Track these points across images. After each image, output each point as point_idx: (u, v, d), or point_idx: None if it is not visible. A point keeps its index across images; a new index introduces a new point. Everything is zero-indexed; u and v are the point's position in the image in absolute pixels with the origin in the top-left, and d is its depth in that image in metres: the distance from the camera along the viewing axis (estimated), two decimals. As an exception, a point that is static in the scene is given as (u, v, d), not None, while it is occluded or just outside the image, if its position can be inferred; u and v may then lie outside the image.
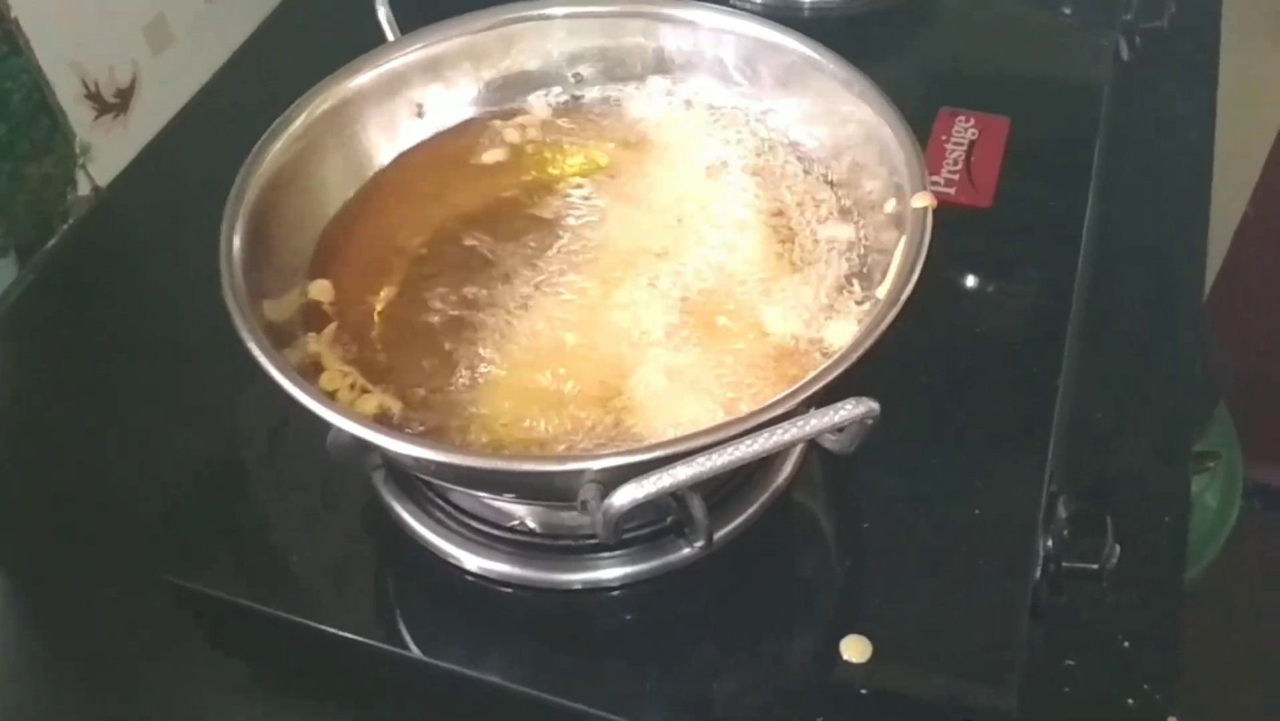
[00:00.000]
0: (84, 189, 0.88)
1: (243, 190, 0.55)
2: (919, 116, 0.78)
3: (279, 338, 0.55)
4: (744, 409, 0.52)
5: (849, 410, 0.40)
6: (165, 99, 0.90)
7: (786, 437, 0.41)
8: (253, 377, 0.49)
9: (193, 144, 0.86)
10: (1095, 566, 0.60)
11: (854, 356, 0.46)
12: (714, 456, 0.40)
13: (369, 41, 0.66)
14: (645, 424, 0.53)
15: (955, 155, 0.77)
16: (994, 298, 0.70)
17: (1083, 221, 0.73)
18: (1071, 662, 0.59)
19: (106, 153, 0.89)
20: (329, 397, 0.54)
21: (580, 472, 0.43)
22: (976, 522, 0.59)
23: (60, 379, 0.72)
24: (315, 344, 0.57)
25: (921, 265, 0.50)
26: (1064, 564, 0.60)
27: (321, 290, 0.60)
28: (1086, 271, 0.72)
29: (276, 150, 0.58)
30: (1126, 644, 0.60)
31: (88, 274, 0.80)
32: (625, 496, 0.41)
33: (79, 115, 0.87)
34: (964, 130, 0.79)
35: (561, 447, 0.53)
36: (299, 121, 0.60)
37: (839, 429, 0.41)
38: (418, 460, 0.46)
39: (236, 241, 0.54)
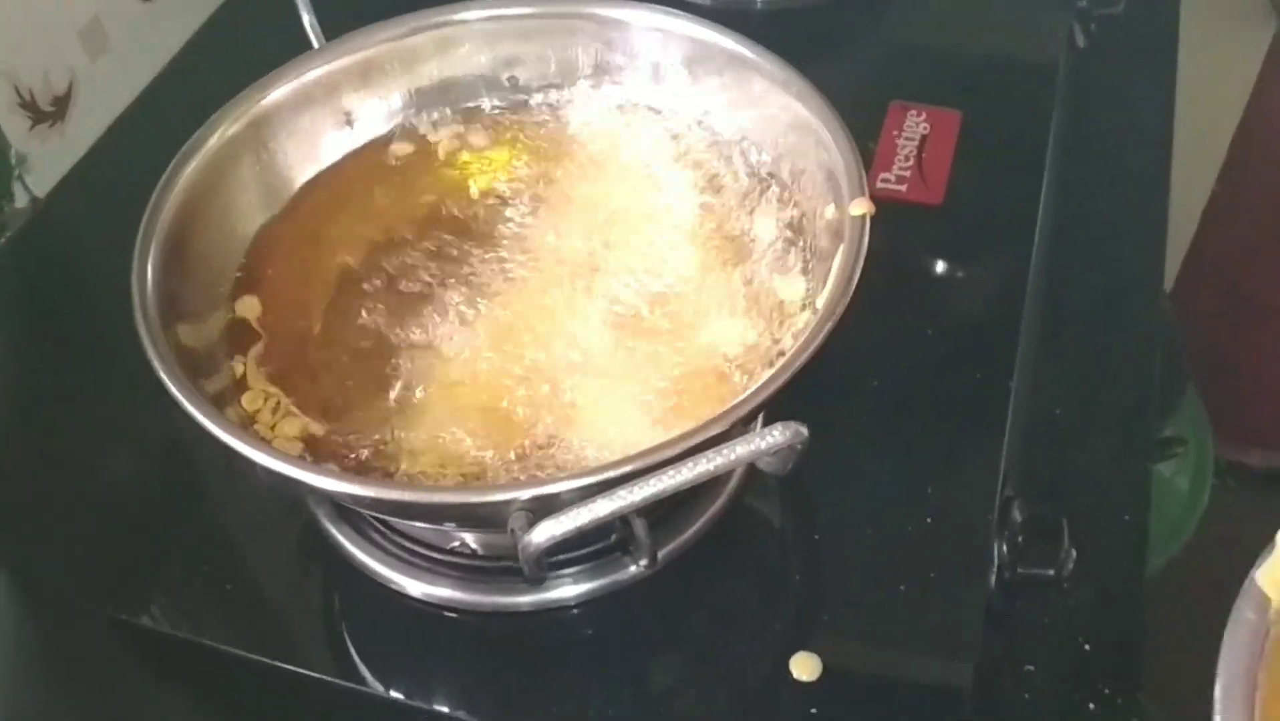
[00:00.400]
0: (21, 201, 0.86)
1: (157, 211, 0.54)
2: (870, 111, 0.78)
3: (202, 360, 0.54)
4: (684, 427, 0.50)
5: (776, 437, 0.39)
6: (103, 106, 0.87)
7: (711, 467, 0.39)
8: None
9: (133, 151, 0.83)
10: (1051, 572, 0.59)
11: (789, 373, 0.45)
12: (636, 489, 0.39)
13: (306, 47, 0.64)
14: (579, 440, 0.51)
15: (907, 151, 0.76)
16: (946, 297, 0.69)
17: (1036, 215, 0.72)
18: (1030, 668, 0.58)
19: (44, 162, 0.87)
20: (249, 418, 0.52)
21: (506, 503, 0.42)
22: (929, 531, 0.58)
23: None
24: (241, 365, 0.55)
25: (859, 275, 0.48)
26: (1020, 570, 0.59)
27: (248, 306, 0.59)
28: (1041, 266, 0.71)
29: (192, 169, 0.57)
30: (1087, 646, 0.58)
31: (25, 288, 0.78)
32: (544, 534, 0.39)
33: (14, 125, 0.85)
34: (915, 125, 0.77)
35: (492, 459, 0.51)
36: (215, 137, 0.59)
37: (769, 454, 0.39)
38: (334, 494, 0.44)
39: (150, 268, 0.52)
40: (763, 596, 0.57)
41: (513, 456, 0.51)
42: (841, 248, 0.51)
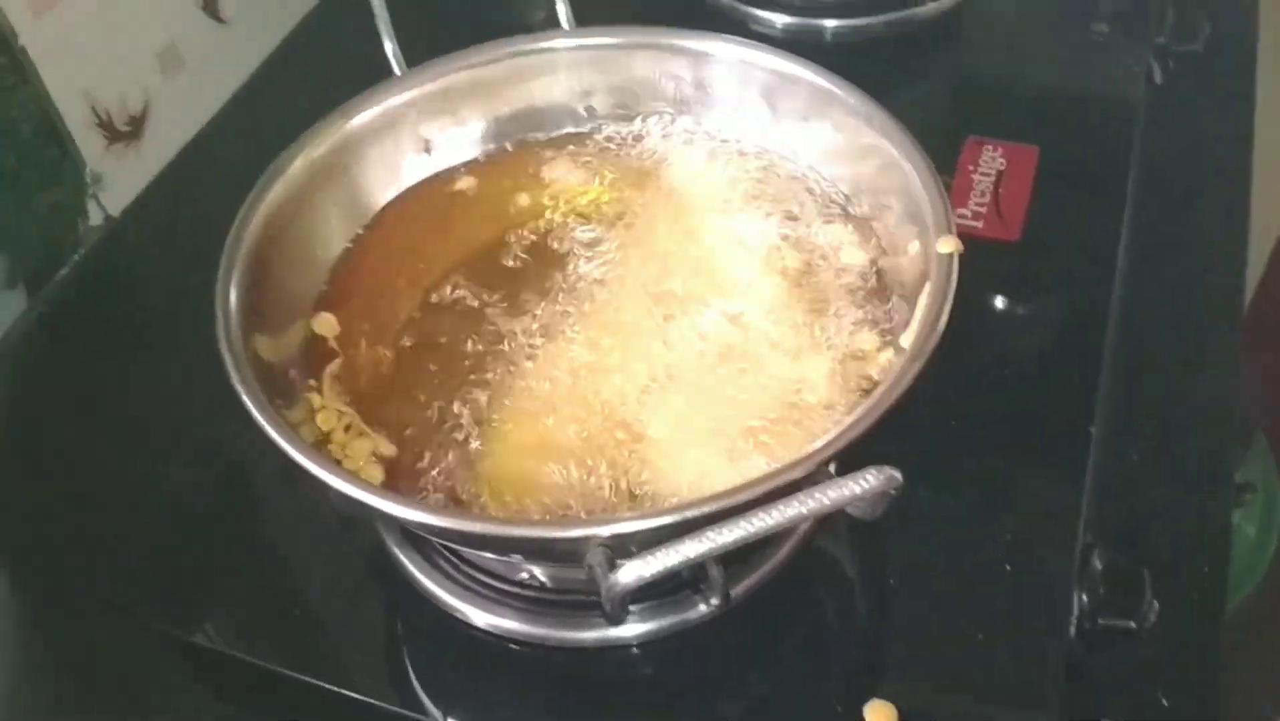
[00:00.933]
0: (95, 218, 0.86)
1: (241, 232, 0.54)
2: (946, 146, 0.77)
3: (278, 376, 0.54)
4: (762, 462, 0.49)
5: (870, 482, 0.38)
6: (178, 126, 0.88)
7: (804, 511, 0.38)
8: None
9: (206, 171, 0.85)
10: (1133, 625, 0.58)
11: (876, 415, 0.44)
12: (725, 532, 0.38)
13: (381, 68, 0.64)
14: (657, 476, 0.51)
15: (983, 186, 0.75)
16: (1024, 337, 0.68)
17: (1116, 255, 0.70)
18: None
19: (119, 181, 0.87)
20: (323, 437, 0.52)
21: (585, 539, 0.41)
22: (1008, 578, 0.56)
23: (69, 412, 0.70)
24: (316, 385, 0.56)
25: (947, 316, 0.47)
26: (1100, 621, 0.58)
27: (325, 324, 0.59)
28: (1119, 305, 0.69)
29: (275, 192, 0.57)
30: (1165, 701, 0.57)
31: (97, 305, 0.79)
32: (631, 574, 0.38)
33: (90, 144, 0.85)
34: (992, 160, 0.76)
35: (567, 491, 0.50)
36: (298, 161, 0.59)
37: (862, 499, 0.38)
38: (411, 523, 0.43)
39: (234, 291, 0.52)
40: (835, 641, 0.56)
41: (589, 487, 0.50)
42: (928, 286, 0.50)
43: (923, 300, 0.50)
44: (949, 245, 0.50)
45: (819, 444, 0.44)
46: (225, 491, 0.65)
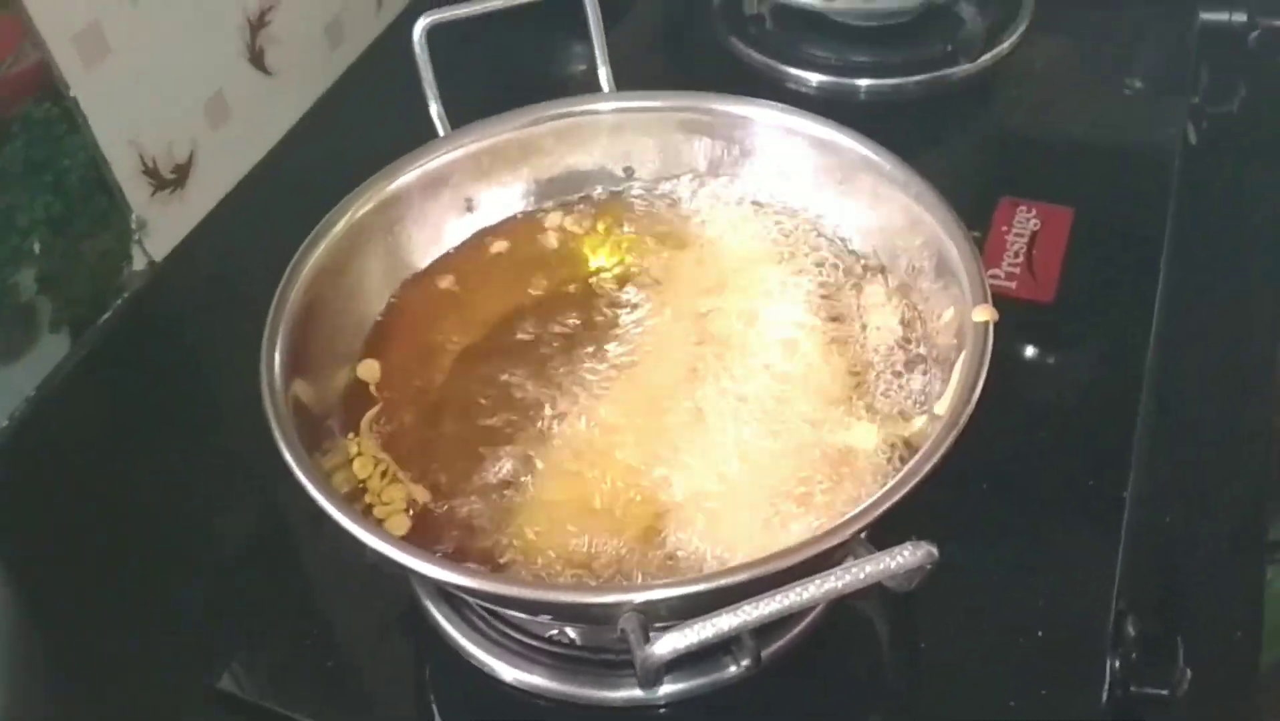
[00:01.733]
0: (139, 264, 0.88)
1: (285, 295, 0.55)
2: (979, 205, 0.78)
3: (317, 420, 0.55)
4: (797, 528, 0.50)
5: (906, 558, 0.38)
6: (222, 175, 0.90)
7: (839, 586, 0.39)
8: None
9: (249, 218, 0.87)
10: (1166, 692, 0.57)
11: (912, 483, 0.44)
12: (760, 605, 0.38)
13: (422, 120, 0.65)
14: (692, 537, 0.51)
15: (1016, 247, 0.75)
16: (1057, 397, 0.68)
17: (1151, 316, 0.70)
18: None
19: (163, 228, 0.89)
20: (360, 485, 0.54)
21: (619, 605, 0.42)
22: (1040, 644, 0.56)
23: (110, 457, 0.72)
24: (354, 433, 0.57)
25: (981, 386, 0.47)
26: (1133, 689, 0.57)
27: (369, 370, 0.60)
28: (1154, 367, 0.69)
29: (321, 250, 0.58)
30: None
31: (141, 349, 0.80)
32: (667, 646, 0.39)
33: (136, 191, 0.87)
34: (1025, 221, 0.77)
35: (601, 550, 0.51)
36: (342, 223, 0.60)
37: (898, 575, 0.39)
38: (443, 583, 0.44)
39: (278, 350, 0.53)
40: (865, 706, 0.56)
41: (623, 549, 0.51)
42: (964, 354, 0.50)
43: (959, 368, 0.50)
44: (984, 314, 0.51)
45: (854, 513, 0.44)
46: (260, 538, 0.65)
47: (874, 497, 0.44)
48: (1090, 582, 0.59)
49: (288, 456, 0.49)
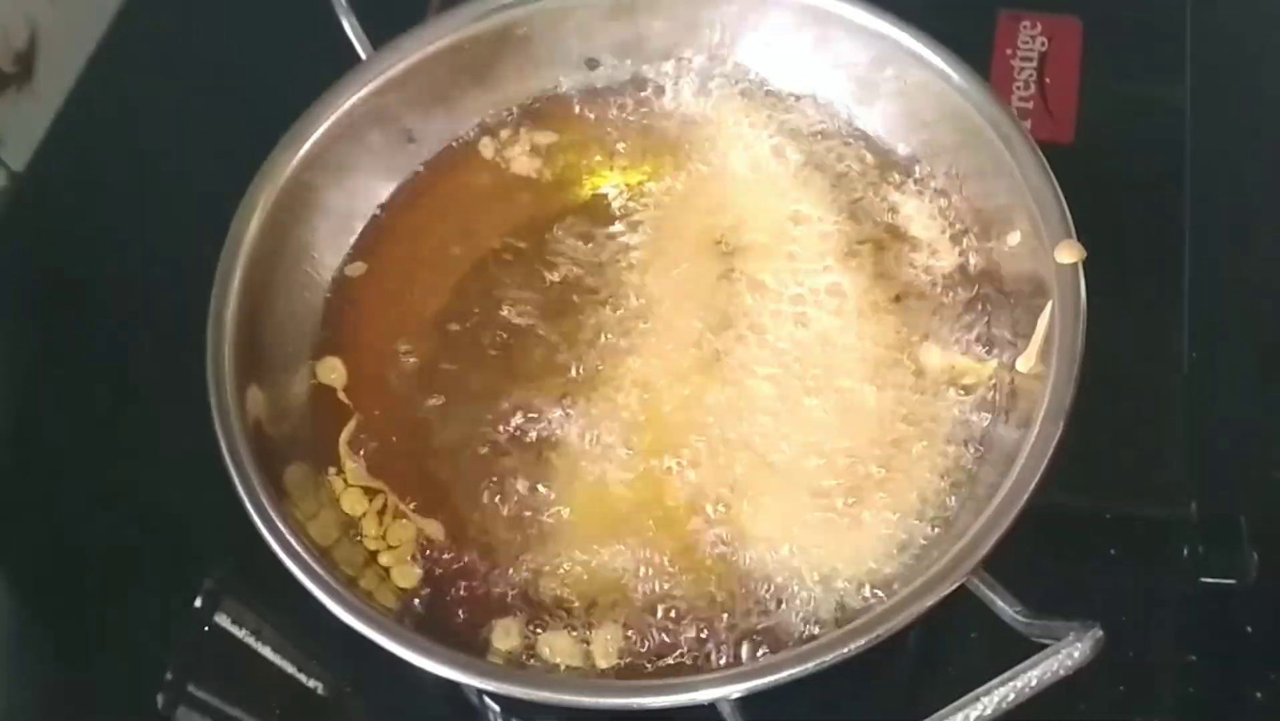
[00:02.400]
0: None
1: (223, 295, 0.46)
2: (975, 24, 0.68)
3: (283, 452, 0.47)
4: (866, 518, 0.44)
5: (1077, 657, 0.32)
6: (72, 56, 0.77)
7: (1006, 703, 0.33)
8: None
9: (111, 99, 0.74)
10: (1233, 581, 0.55)
11: (1020, 502, 0.38)
12: None
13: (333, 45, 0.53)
14: (751, 551, 0.45)
15: (1026, 74, 0.66)
16: (1091, 265, 0.61)
17: (1184, 146, 0.63)
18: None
19: (16, 132, 0.76)
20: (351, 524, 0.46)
21: (717, 700, 0.36)
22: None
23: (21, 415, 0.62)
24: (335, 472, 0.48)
25: (1081, 354, 0.40)
26: (1202, 579, 0.54)
27: (330, 370, 0.51)
28: (1194, 206, 0.62)
29: (252, 231, 0.49)
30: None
31: (23, 280, 0.68)
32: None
33: (-24, 98, 0.73)
34: (1031, 39, 0.67)
35: (652, 578, 0.45)
36: (270, 188, 0.50)
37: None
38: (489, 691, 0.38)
39: (228, 372, 0.45)
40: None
41: (678, 576, 0.44)
42: (1050, 307, 0.43)
43: (1043, 322, 0.43)
44: (1071, 254, 0.43)
45: (963, 544, 0.38)
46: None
47: (981, 528, 0.38)
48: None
49: (257, 521, 0.41)
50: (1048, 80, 0.66)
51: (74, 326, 0.65)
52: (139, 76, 0.74)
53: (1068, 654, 0.33)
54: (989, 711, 0.33)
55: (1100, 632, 0.34)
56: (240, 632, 0.53)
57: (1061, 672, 0.33)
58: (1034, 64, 0.67)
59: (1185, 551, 0.54)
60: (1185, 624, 0.54)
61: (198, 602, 0.53)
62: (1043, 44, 0.68)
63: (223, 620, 0.53)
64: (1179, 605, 0.54)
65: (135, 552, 0.56)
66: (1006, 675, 0.34)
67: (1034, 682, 0.33)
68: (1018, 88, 0.66)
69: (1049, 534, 0.53)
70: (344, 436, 0.49)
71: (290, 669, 0.52)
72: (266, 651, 0.53)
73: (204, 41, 0.71)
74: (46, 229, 0.72)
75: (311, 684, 0.52)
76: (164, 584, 0.55)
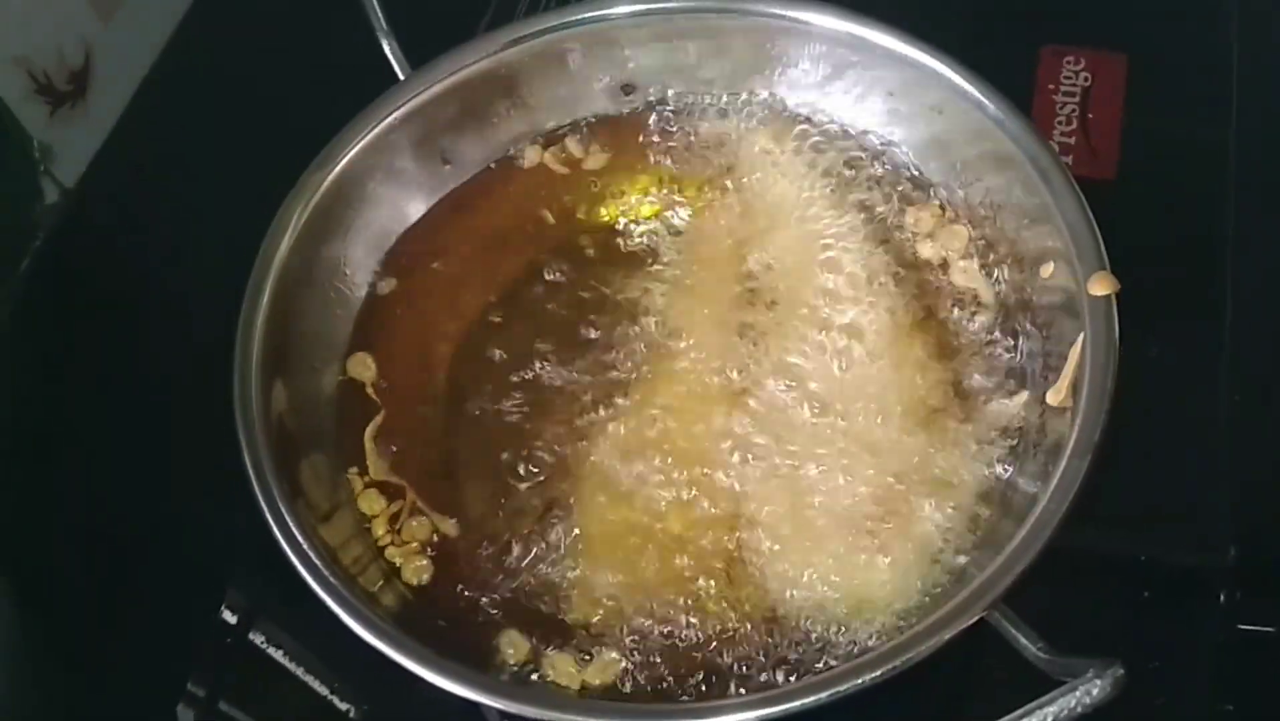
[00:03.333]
0: (51, 196, 0.77)
1: (251, 317, 0.47)
2: (1018, 62, 0.68)
3: (305, 446, 0.47)
4: (891, 552, 0.43)
5: (1096, 694, 0.32)
6: (125, 75, 0.78)
7: None
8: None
9: (162, 118, 0.75)
10: (1272, 629, 0.53)
11: (1046, 533, 0.37)
12: None
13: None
14: (770, 583, 0.45)
15: (1068, 110, 0.65)
16: (1130, 301, 0.60)
17: (1228, 178, 0.61)
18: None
19: (70, 149, 0.78)
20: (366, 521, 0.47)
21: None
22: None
23: (55, 423, 0.63)
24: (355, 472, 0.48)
25: (1113, 389, 0.40)
26: (1240, 626, 0.53)
27: (361, 366, 0.52)
28: (1236, 240, 0.61)
29: (287, 241, 0.49)
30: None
31: (72, 294, 0.69)
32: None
33: (31, 114, 0.75)
34: (1075, 75, 0.67)
35: (668, 592, 0.44)
36: (306, 200, 0.51)
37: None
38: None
39: (254, 375, 0.45)
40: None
41: (694, 605, 0.44)
42: (1082, 339, 0.42)
43: (1074, 355, 0.42)
44: (1104, 286, 0.42)
45: (987, 575, 0.37)
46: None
47: (1008, 552, 0.37)
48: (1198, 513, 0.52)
49: (268, 516, 0.42)
50: (1090, 116, 0.66)
51: (120, 340, 0.66)
52: (190, 97, 0.75)
53: (1085, 690, 0.32)
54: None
55: (1121, 671, 0.33)
56: (269, 648, 0.53)
57: (1079, 710, 0.32)
58: (1076, 99, 0.66)
59: (1222, 597, 0.53)
60: (1222, 672, 0.52)
61: (226, 614, 0.54)
62: (1086, 79, 0.67)
63: (255, 636, 0.53)
64: (1215, 652, 0.52)
65: (162, 562, 0.57)
66: (1022, 710, 0.33)
67: (1050, 719, 0.32)
68: (1059, 123, 0.66)
69: (1081, 575, 0.53)
70: (370, 430, 0.50)
71: (314, 682, 0.53)
72: (290, 664, 0.53)
73: (254, 64, 0.72)
74: (96, 244, 0.73)
75: (330, 695, 0.52)
76: (189, 594, 0.55)
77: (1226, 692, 0.51)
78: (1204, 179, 0.63)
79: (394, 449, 0.50)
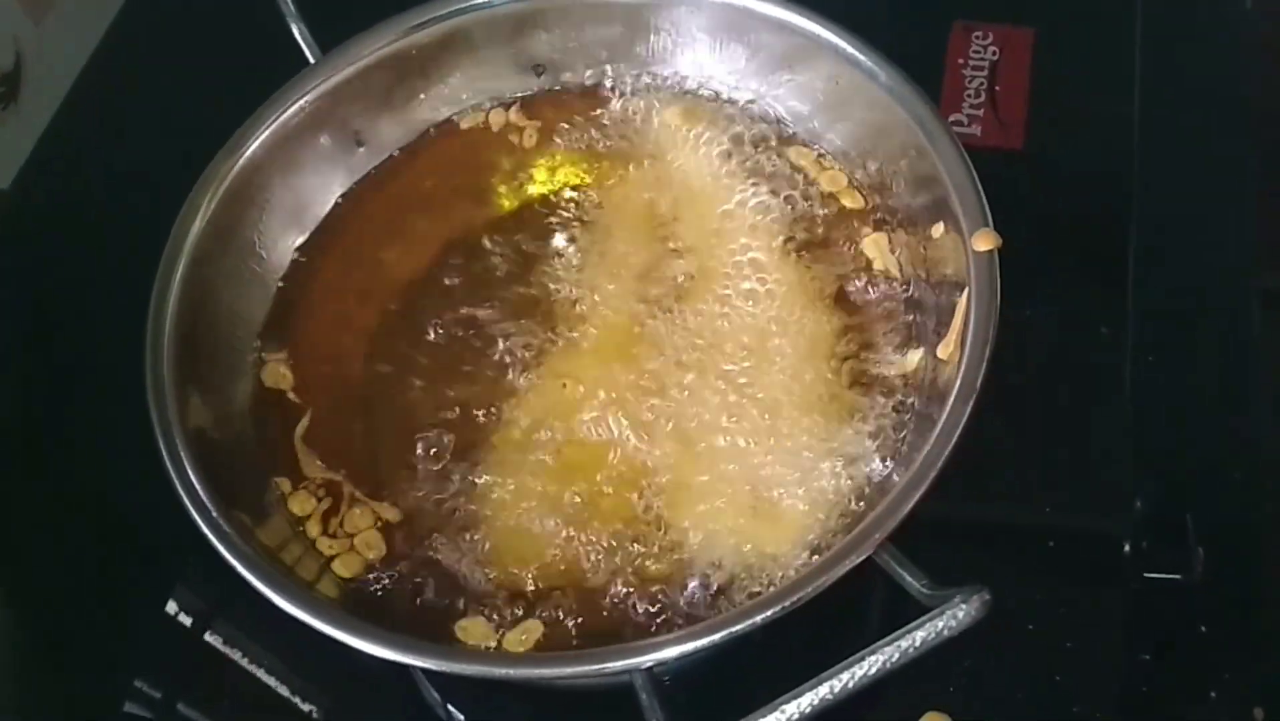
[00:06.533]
0: (-13, 197, 0.77)
1: (162, 304, 0.46)
2: (929, 37, 0.69)
3: (233, 455, 0.48)
4: (791, 502, 0.44)
5: (961, 617, 0.33)
6: (56, 77, 0.78)
7: (889, 664, 0.34)
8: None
9: (96, 118, 0.76)
10: (1180, 576, 0.55)
11: (931, 475, 0.38)
12: (802, 701, 0.33)
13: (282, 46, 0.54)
14: (676, 535, 0.46)
15: (976, 83, 0.67)
16: (1038, 266, 0.61)
17: (1132, 155, 0.63)
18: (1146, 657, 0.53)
19: (2, 150, 0.78)
20: (298, 522, 0.47)
21: (625, 670, 0.36)
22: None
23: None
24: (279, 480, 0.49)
25: (994, 338, 0.41)
26: (1146, 575, 0.54)
27: (276, 376, 0.52)
28: (1141, 210, 0.63)
29: (194, 234, 0.49)
30: (1204, 629, 0.54)
31: (7, 295, 0.69)
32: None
33: (-36, 119, 0.75)
34: (983, 49, 0.68)
35: (586, 551, 0.46)
36: (216, 187, 0.51)
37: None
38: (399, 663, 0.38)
39: (167, 378, 0.45)
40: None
41: (607, 560, 0.45)
42: (966, 293, 0.43)
43: (960, 309, 0.43)
44: (986, 242, 0.44)
45: (874, 516, 0.39)
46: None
47: (893, 500, 0.39)
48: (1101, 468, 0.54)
49: (198, 520, 0.42)
50: (998, 89, 0.67)
51: (54, 341, 0.66)
52: (122, 97, 0.75)
53: (952, 614, 0.34)
54: (873, 670, 0.34)
55: (988, 595, 0.34)
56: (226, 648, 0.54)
57: (946, 633, 0.34)
58: (985, 73, 0.68)
59: (1128, 548, 0.54)
60: (1135, 622, 0.54)
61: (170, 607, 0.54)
62: (994, 53, 0.69)
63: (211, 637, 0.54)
64: (1125, 602, 0.54)
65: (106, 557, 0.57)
66: (894, 635, 0.34)
67: (918, 642, 0.34)
68: (968, 95, 0.67)
69: (985, 530, 0.54)
70: (299, 432, 0.50)
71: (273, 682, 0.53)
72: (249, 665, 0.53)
73: (186, 62, 0.73)
74: (31, 245, 0.72)
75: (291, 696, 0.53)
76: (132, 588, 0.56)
77: (1142, 642, 0.53)
78: (1108, 150, 0.65)
79: (322, 444, 0.50)
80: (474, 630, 0.44)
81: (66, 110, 0.77)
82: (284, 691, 0.53)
